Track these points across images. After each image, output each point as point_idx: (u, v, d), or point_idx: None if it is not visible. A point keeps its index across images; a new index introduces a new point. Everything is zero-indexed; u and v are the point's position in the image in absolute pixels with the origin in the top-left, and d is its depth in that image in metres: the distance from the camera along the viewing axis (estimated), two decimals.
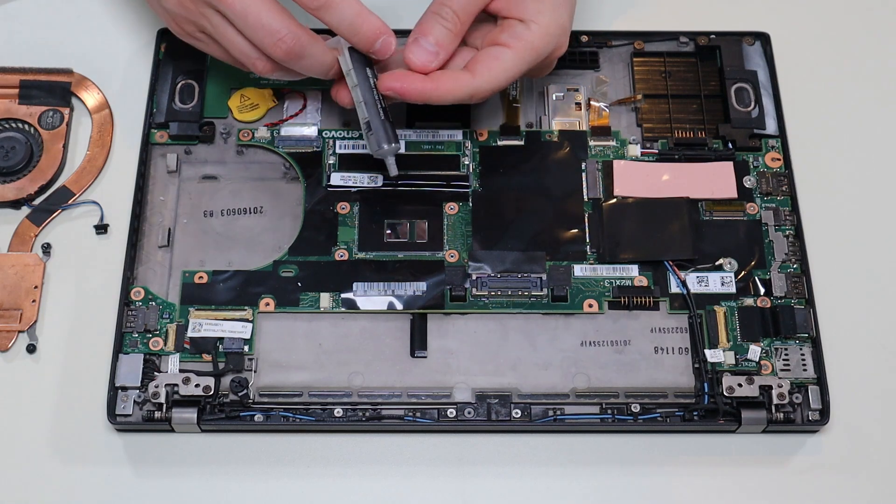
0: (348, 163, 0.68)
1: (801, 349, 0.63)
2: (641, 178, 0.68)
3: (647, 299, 0.64)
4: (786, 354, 0.63)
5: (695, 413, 0.62)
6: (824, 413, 0.62)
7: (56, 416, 0.63)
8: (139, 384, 0.62)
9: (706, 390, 0.62)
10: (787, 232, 0.67)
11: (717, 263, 0.66)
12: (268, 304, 0.64)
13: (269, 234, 0.67)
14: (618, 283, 0.65)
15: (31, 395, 0.63)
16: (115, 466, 0.62)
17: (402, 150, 0.67)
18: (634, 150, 0.69)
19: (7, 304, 0.65)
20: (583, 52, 0.72)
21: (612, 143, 0.69)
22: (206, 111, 0.70)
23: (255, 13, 0.59)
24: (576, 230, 0.66)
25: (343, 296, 0.64)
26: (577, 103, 0.71)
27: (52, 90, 0.71)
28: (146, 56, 0.72)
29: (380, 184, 0.67)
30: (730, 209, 0.67)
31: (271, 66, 0.62)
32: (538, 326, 0.64)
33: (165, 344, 0.63)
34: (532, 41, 0.62)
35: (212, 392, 0.61)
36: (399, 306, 0.64)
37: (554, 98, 0.71)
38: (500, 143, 0.69)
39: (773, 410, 0.62)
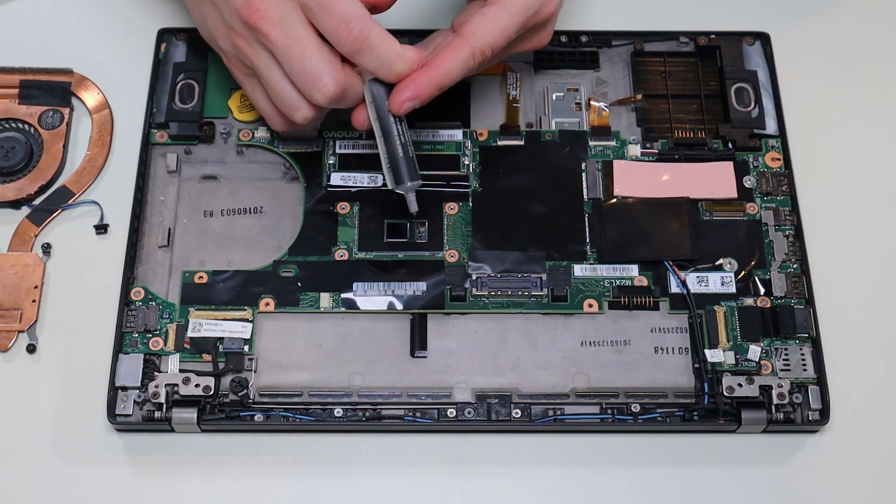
0: (348, 163, 0.68)
1: (801, 349, 0.63)
2: (641, 178, 0.68)
3: (647, 299, 0.64)
4: (786, 354, 0.63)
5: (695, 413, 0.62)
6: (824, 413, 0.62)
7: (56, 416, 0.63)
8: (139, 384, 0.62)
9: (706, 390, 0.62)
10: (787, 232, 0.67)
11: (717, 263, 0.66)
12: (268, 304, 0.64)
13: (269, 234, 0.67)
14: (618, 283, 0.65)
15: (31, 395, 0.63)
16: (115, 466, 0.62)
17: None
18: (634, 150, 0.69)
19: (7, 304, 0.65)
20: (583, 52, 0.72)
21: (612, 143, 0.69)
22: (206, 111, 0.70)
23: (299, 55, 0.58)
24: (576, 230, 0.66)
25: (343, 296, 0.64)
26: (577, 103, 0.71)
27: (52, 90, 0.71)
28: (146, 56, 0.72)
29: (380, 184, 0.67)
30: (730, 209, 0.67)
31: (313, 117, 0.61)
32: (538, 326, 0.64)
33: (165, 344, 0.63)
34: None
35: (212, 392, 0.61)
36: (399, 306, 0.64)
37: (554, 98, 0.71)
38: (500, 143, 0.69)
39: (773, 410, 0.62)
